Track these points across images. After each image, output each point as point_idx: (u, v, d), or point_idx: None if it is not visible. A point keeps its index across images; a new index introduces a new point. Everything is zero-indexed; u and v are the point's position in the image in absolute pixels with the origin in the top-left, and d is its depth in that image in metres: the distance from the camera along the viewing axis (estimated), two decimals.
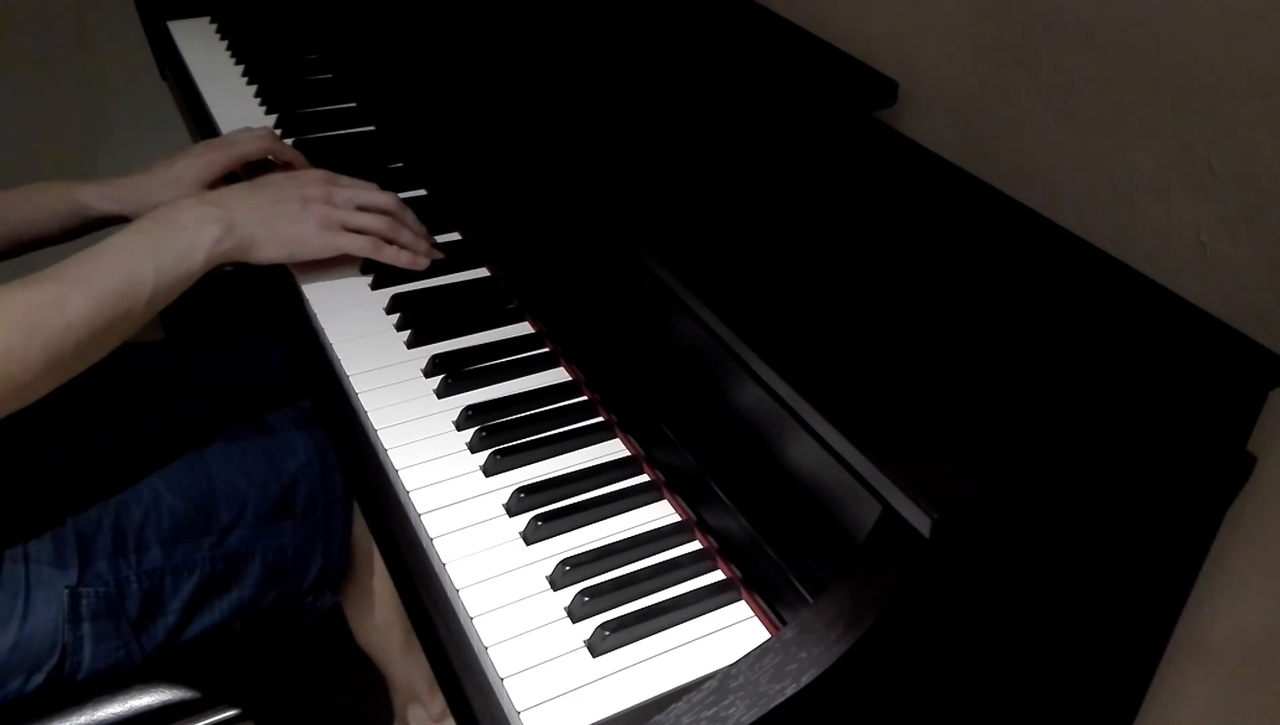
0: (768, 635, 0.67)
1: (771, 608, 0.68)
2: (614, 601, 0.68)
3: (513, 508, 0.75)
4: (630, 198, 0.84)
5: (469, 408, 0.82)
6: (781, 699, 0.55)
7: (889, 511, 0.59)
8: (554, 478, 0.77)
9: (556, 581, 0.70)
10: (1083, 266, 0.79)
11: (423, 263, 0.97)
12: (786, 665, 0.56)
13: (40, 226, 1.00)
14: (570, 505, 0.75)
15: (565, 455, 0.80)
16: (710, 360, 0.73)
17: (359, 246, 0.94)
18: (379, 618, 1.12)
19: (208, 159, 1.03)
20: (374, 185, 0.98)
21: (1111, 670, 0.84)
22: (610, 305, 0.87)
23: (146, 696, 0.93)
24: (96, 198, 1.01)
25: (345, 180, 0.97)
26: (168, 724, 0.94)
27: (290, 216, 0.91)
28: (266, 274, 0.99)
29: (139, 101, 1.90)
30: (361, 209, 0.95)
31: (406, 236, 0.97)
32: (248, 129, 1.08)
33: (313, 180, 0.94)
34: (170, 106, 1.55)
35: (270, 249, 0.90)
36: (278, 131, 1.20)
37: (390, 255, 0.95)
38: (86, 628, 0.87)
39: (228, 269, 0.92)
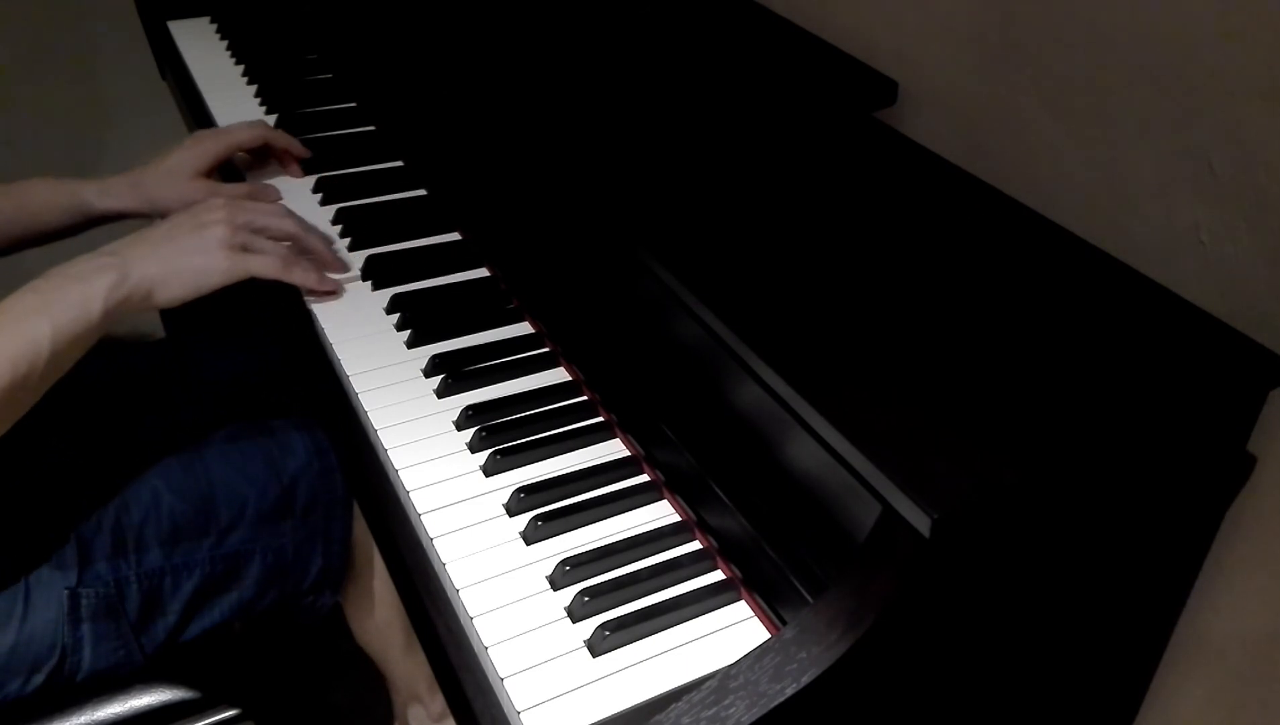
0: (768, 635, 0.67)
1: (771, 608, 0.68)
2: (614, 601, 0.68)
3: (513, 508, 0.75)
4: (630, 198, 0.84)
5: (469, 408, 0.82)
6: (781, 699, 0.55)
7: (889, 511, 0.59)
8: (554, 478, 0.77)
9: (556, 581, 0.70)
10: (1083, 266, 0.79)
11: (330, 284, 0.95)
12: (786, 665, 0.56)
13: (42, 222, 1.00)
14: (570, 505, 0.75)
15: (565, 455, 0.80)
16: (710, 360, 0.73)
17: (266, 267, 0.91)
18: (379, 618, 1.12)
19: (200, 149, 1.03)
20: (279, 208, 0.96)
21: (1111, 670, 0.84)
22: (610, 305, 0.87)
23: (146, 696, 0.93)
24: (97, 195, 1.01)
25: (249, 204, 0.95)
26: (167, 724, 0.94)
27: (189, 248, 0.88)
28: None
29: (139, 101, 1.90)
30: (262, 232, 0.93)
31: (314, 242, 0.95)
32: (251, 121, 1.09)
33: (211, 206, 0.92)
34: (170, 106, 1.55)
35: (174, 287, 0.86)
36: None
37: (299, 275, 0.93)
38: (86, 628, 0.87)
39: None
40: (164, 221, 0.92)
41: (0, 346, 0.76)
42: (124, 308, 0.84)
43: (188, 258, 0.87)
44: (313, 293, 0.95)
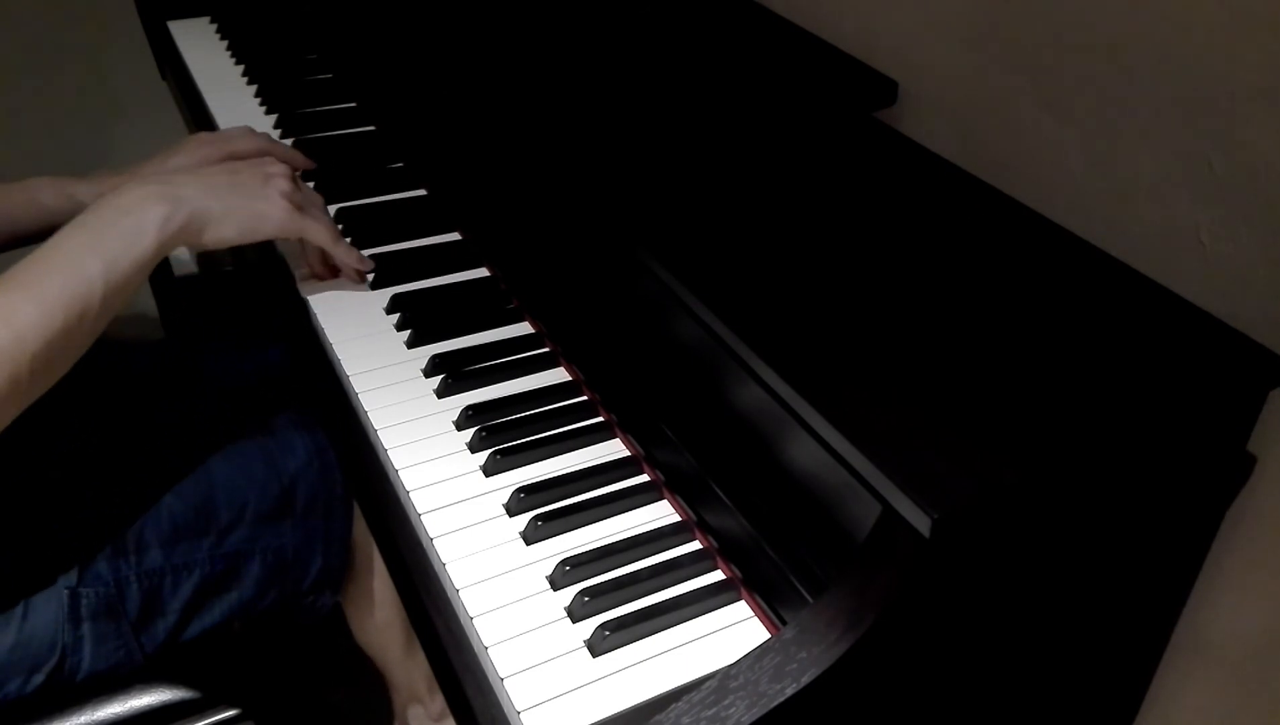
0: (768, 635, 0.67)
1: (771, 608, 0.68)
2: (614, 601, 0.68)
3: (513, 508, 0.75)
4: (629, 198, 0.84)
5: (469, 408, 0.82)
6: (781, 699, 0.55)
7: (889, 511, 0.59)
8: (554, 478, 0.77)
9: (556, 581, 0.70)
10: (1083, 266, 0.79)
11: (368, 264, 0.96)
12: (786, 665, 0.56)
13: (36, 223, 0.99)
14: (570, 505, 0.75)
15: (565, 455, 0.80)
16: (710, 360, 0.73)
17: (319, 233, 0.90)
18: (379, 618, 1.12)
19: (200, 155, 1.01)
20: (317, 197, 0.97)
21: (1111, 670, 0.84)
22: (610, 305, 0.87)
23: (146, 696, 0.93)
24: (92, 197, 0.98)
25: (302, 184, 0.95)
26: (167, 724, 0.94)
27: (248, 192, 0.86)
28: (266, 273, 0.99)
29: (139, 101, 1.90)
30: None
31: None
32: (248, 129, 1.07)
33: (271, 160, 0.91)
34: (170, 106, 1.55)
35: (227, 227, 0.84)
36: (277, 132, 1.20)
37: (344, 252, 0.93)
38: (86, 628, 0.87)
39: (187, 256, 0.89)
40: (221, 164, 0.91)
41: (52, 288, 0.73)
42: (176, 241, 0.81)
43: (247, 201, 0.85)
44: (355, 274, 0.95)
